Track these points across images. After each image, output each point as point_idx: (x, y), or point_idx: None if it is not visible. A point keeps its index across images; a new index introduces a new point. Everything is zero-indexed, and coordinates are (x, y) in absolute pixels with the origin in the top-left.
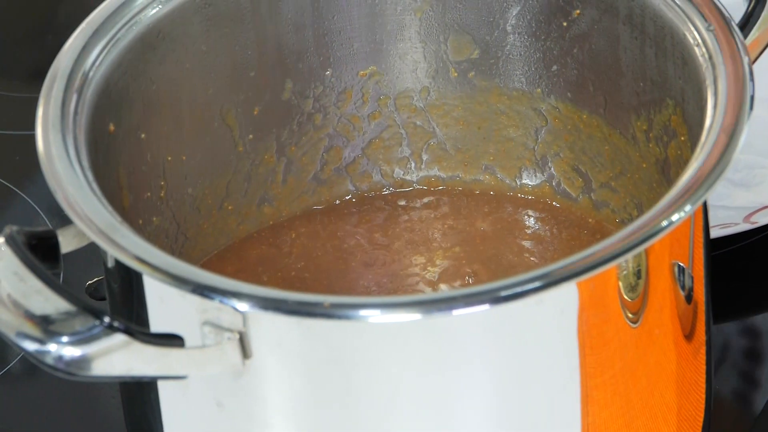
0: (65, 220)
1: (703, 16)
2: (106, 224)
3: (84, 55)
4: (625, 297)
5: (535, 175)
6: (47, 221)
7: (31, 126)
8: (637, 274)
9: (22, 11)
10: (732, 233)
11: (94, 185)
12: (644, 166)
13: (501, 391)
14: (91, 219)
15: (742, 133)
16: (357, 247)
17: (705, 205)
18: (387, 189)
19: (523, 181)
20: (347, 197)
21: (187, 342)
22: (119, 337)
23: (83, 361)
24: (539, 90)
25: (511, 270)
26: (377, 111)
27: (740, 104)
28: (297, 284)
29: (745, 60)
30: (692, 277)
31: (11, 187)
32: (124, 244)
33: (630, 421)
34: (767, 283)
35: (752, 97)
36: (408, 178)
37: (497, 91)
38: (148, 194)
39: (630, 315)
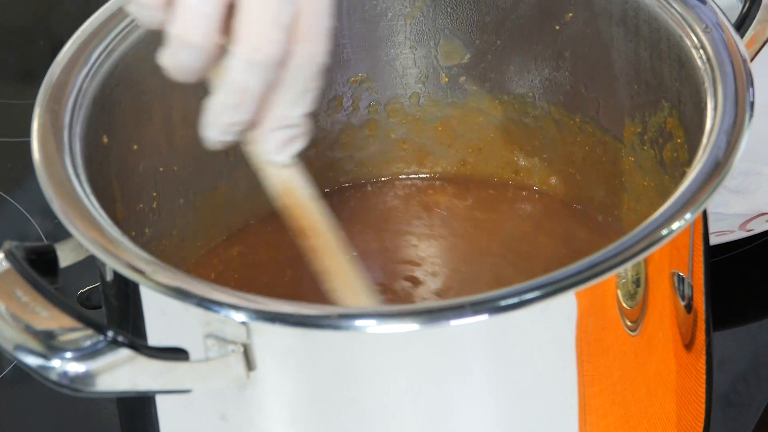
0: (57, 227)
1: (699, 18)
2: (107, 237)
3: (78, 65)
4: (624, 305)
5: (528, 180)
6: (37, 227)
7: (23, 133)
8: (636, 283)
9: (13, 16)
10: (728, 241)
11: (92, 198)
12: (639, 168)
13: (500, 400)
14: (92, 233)
15: (743, 136)
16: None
17: (704, 214)
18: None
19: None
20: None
21: (191, 355)
22: (124, 352)
23: (88, 377)
24: (531, 94)
25: (502, 270)
26: (368, 117)
27: (741, 107)
28: (293, 287)
29: (746, 63)
30: (692, 286)
31: (1, 193)
32: (127, 258)
33: (629, 430)
34: (765, 291)
35: (752, 102)
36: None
37: (488, 95)
38: (141, 206)
39: (629, 323)
